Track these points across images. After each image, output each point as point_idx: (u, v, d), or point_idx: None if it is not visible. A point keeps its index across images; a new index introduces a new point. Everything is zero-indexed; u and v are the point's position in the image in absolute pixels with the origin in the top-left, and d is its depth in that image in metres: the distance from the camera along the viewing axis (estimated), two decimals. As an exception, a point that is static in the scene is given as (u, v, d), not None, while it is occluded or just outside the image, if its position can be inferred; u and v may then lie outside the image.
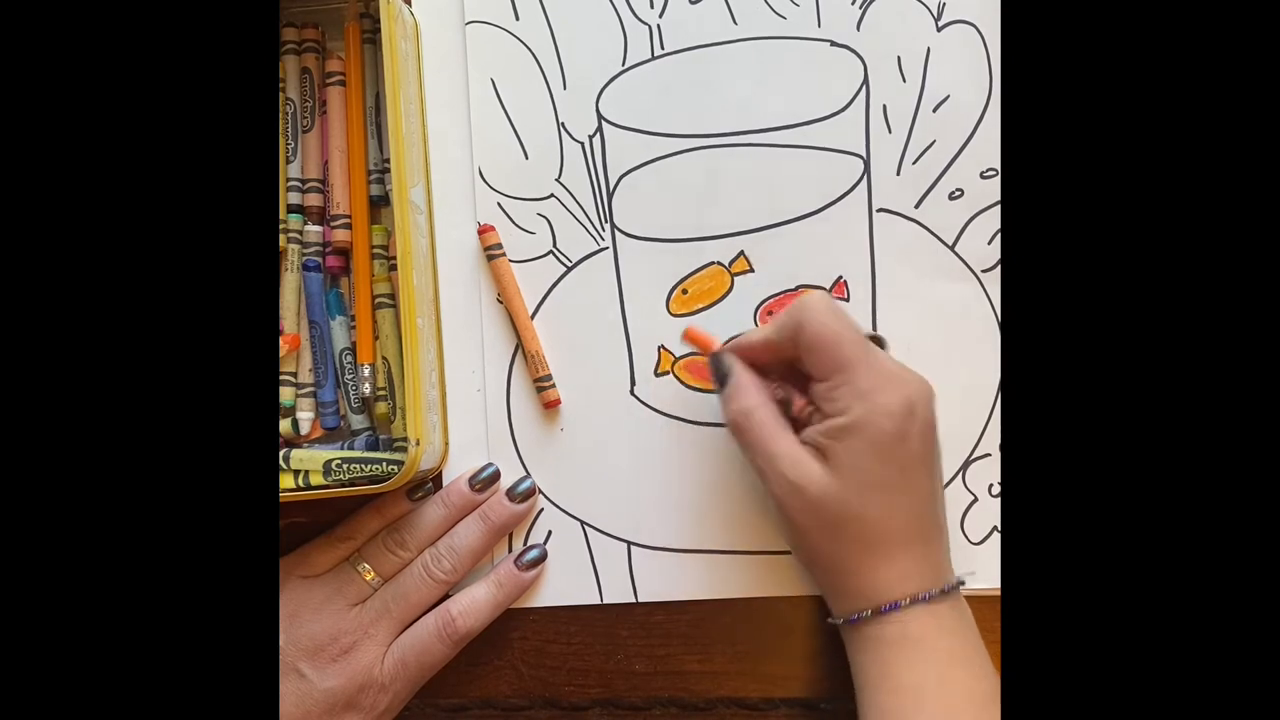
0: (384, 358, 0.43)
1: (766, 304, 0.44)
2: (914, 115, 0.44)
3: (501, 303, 0.45)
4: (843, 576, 0.37)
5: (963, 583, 0.38)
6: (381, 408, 0.43)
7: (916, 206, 0.44)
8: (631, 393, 0.44)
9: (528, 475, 0.44)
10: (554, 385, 0.44)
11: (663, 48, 0.45)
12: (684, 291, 0.44)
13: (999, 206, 0.44)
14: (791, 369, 0.39)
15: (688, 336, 0.43)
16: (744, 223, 0.44)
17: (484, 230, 0.44)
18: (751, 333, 0.40)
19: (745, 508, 0.44)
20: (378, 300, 0.43)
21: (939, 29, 0.44)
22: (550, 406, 0.44)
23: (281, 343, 0.43)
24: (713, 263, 0.44)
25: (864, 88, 0.44)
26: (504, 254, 0.44)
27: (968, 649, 0.37)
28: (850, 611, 0.37)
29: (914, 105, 0.44)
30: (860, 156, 0.44)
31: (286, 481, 0.41)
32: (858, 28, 0.44)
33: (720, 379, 0.40)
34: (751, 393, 0.39)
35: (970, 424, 0.44)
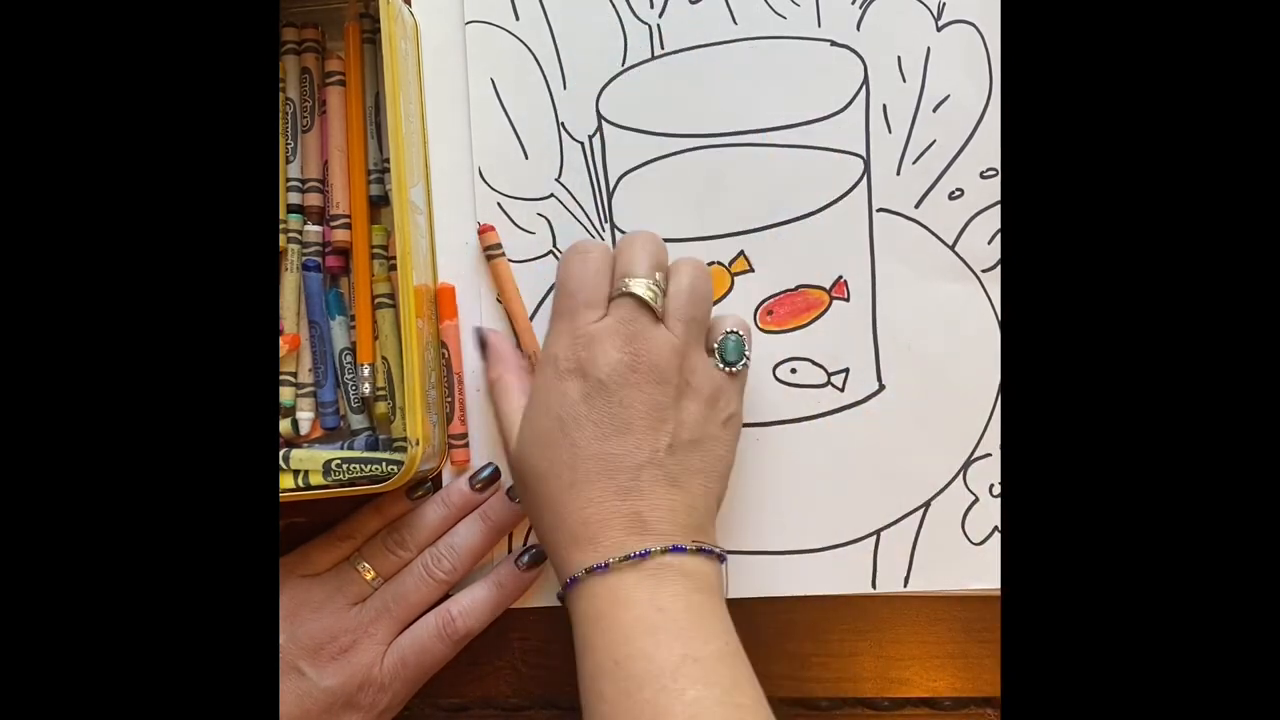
0: (384, 358, 0.43)
1: (766, 304, 0.44)
2: (914, 115, 0.44)
3: (501, 303, 0.45)
4: (545, 546, 0.37)
5: (678, 549, 0.35)
6: (381, 408, 0.43)
7: (916, 206, 0.44)
8: (631, 393, 0.44)
9: (527, 475, 0.44)
10: None
11: (663, 48, 0.45)
12: (684, 291, 0.44)
13: (999, 206, 0.44)
14: None
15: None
16: (744, 223, 0.44)
17: (484, 230, 0.44)
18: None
19: (745, 508, 0.44)
20: (377, 300, 0.43)
21: (939, 29, 0.44)
22: None
23: (281, 343, 0.43)
24: (713, 262, 0.44)
25: (864, 88, 0.44)
26: (504, 254, 0.44)
27: (665, 619, 0.33)
28: (579, 566, 0.35)
29: (914, 105, 0.44)
30: (860, 156, 0.44)
31: (286, 481, 0.41)
32: (858, 28, 0.44)
33: (480, 350, 0.43)
34: (497, 363, 0.42)
35: (971, 424, 0.44)
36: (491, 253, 0.44)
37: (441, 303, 0.44)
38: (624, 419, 0.36)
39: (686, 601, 0.34)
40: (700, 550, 0.35)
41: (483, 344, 0.43)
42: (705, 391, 0.38)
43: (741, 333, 0.39)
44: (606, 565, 0.34)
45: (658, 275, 0.38)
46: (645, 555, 0.34)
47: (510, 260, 0.45)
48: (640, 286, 0.37)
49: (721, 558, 0.36)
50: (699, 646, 0.33)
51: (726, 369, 0.39)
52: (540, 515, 0.37)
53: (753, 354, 0.41)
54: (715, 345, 0.39)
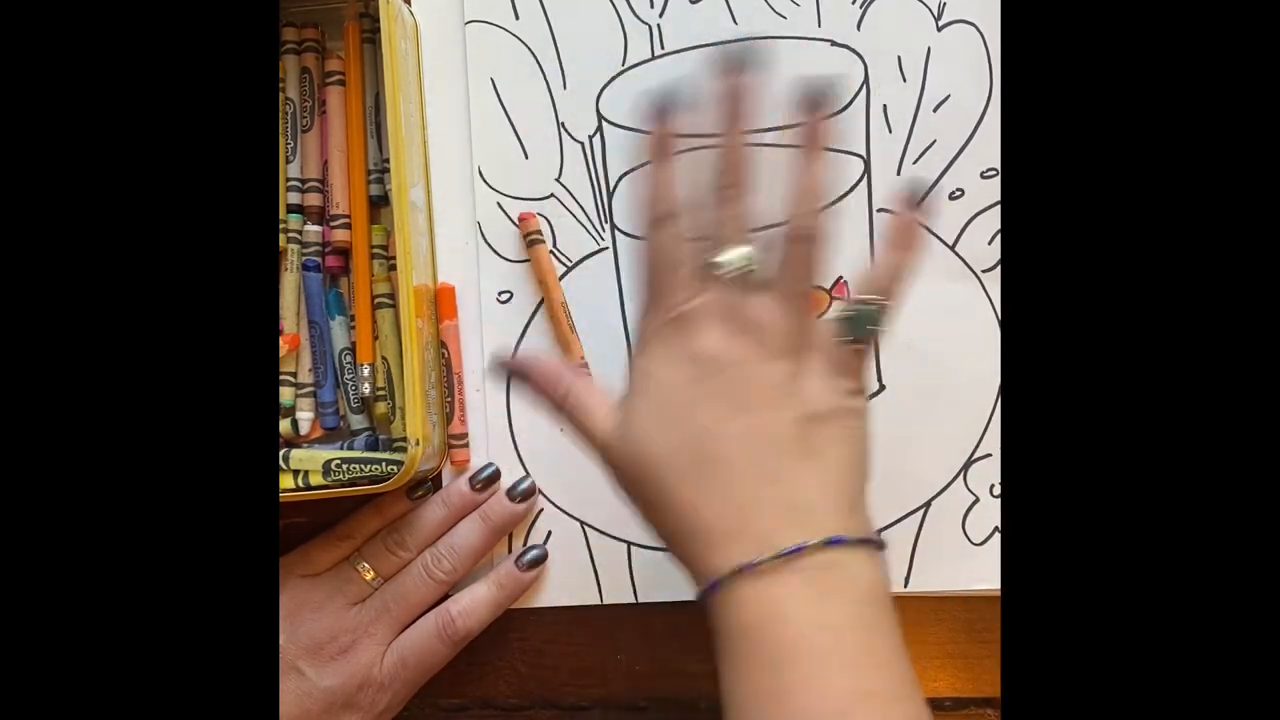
0: (384, 358, 0.43)
1: (766, 304, 0.44)
2: (914, 115, 0.44)
3: (544, 299, 0.44)
4: (673, 549, 0.32)
5: (838, 541, 0.29)
6: (381, 408, 0.43)
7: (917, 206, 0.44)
8: (631, 393, 0.44)
9: (528, 475, 0.44)
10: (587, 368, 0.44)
11: (663, 47, 0.45)
12: (684, 291, 0.44)
13: (999, 206, 0.44)
14: None
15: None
16: (744, 223, 0.44)
17: (524, 218, 0.44)
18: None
19: (745, 508, 0.44)
20: (377, 300, 0.43)
21: (939, 29, 0.44)
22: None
23: (281, 343, 0.43)
24: (713, 263, 0.44)
25: (864, 88, 0.44)
26: (544, 240, 0.44)
27: (834, 639, 0.28)
28: (716, 570, 0.30)
29: (914, 105, 0.44)
30: (860, 156, 0.44)
31: (286, 481, 0.41)
32: (858, 27, 0.44)
33: (522, 377, 0.37)
34: (560, 379, 0.35)
35: (970, 424, 0.44)
36: (534, 238, 0.44)
37: (441, 303, 0.44)
38: (744, 396, 0.31)
39: (856, 618, 0.29)
40: (862, 542, 0.30)
41: (520, 372, 0.37)
42: (827, 363, 0.32)
43: (874, 304, 0.33)
44: (756, 563, 0.28)
45: (749, 241, 0.33)
46: (800, 550, 0.29)
47: (509, 260, 0.45)
48: (736, 256, 0.32)
49: (882, 545, 0.31)
50: (873, 678, 0.28)
51: (852, 342, 0.33)
52: (662, 512, 0.31)
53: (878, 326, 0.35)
54: (841, 315, 0.33)
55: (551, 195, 0.45)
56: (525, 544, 0.44)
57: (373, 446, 0.43)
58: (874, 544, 0.30)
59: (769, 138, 0.44)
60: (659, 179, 0.35)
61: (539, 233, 0.44)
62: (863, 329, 0.33)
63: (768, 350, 0.32)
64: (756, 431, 0.31)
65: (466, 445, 0.44)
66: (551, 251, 0.45)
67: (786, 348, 0.32)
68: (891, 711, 0.28)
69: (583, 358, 0.44)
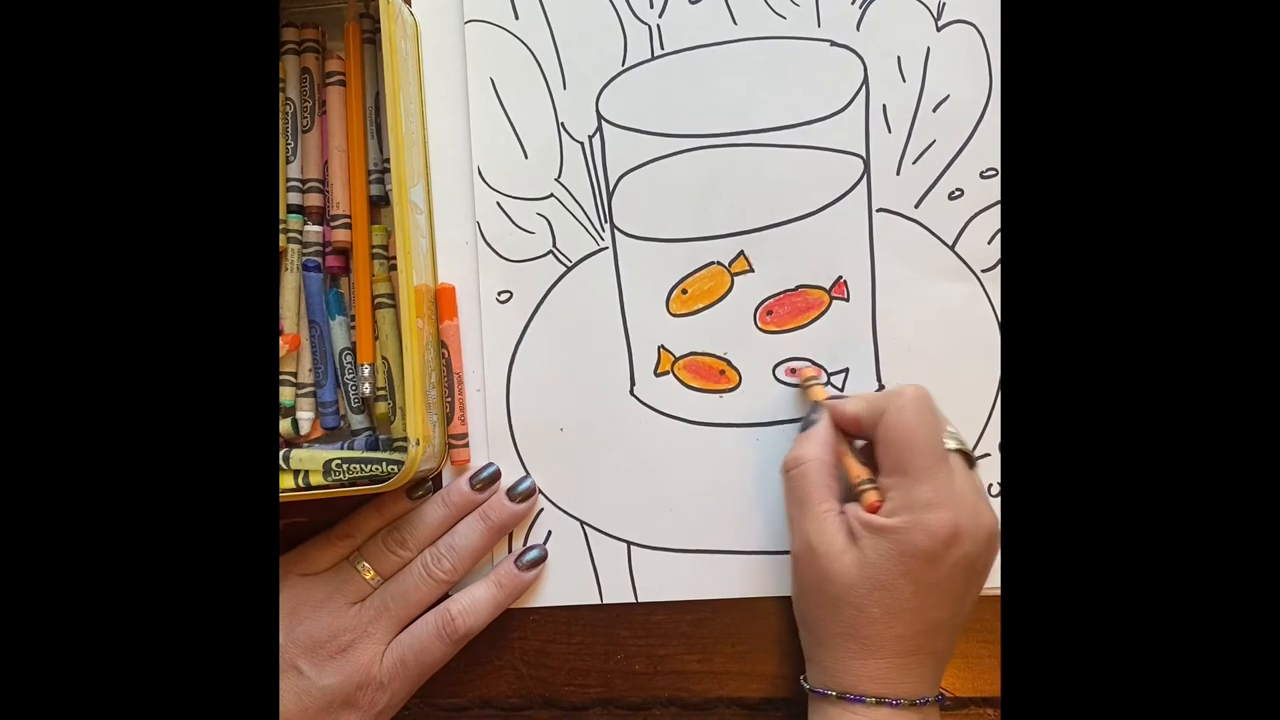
0: (384, 358, 0.43)
1: (766, 304, 0.44)
2: (914, 115, 0.44)
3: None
4: (822, 649, 0.38)
5: (943, 701, 0.38)
6: (381, 408, 0.43)
7: (916, 206, 0.44)
8: (631, 393, 0.44)
9: (528, 475, 0.44)
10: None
11: (663, 48, 0.45)
12: (684, 291, 0.44)
13: (999, 206, 0.44)
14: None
15: (800, 375, 0.43)
16: (744, 223, 0.44)
17: (805, 373, 0.44)
18: (849, 400, 0.40)
19: (745, 507, 0.44)
20: (378, 300, 0.43)
21: (939, 29, 0.44)
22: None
23: (281, 343, 0.43)
24: (713, 263, 0.44)
25: (864, 88, 0.44)
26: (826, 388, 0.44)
27: None
28: (820, 684, 0.38)
29: (914, 105, 0.44)
30: (860, 156, 0.44)
31: (286, 481, 0.41)
32: (858, 27, 0.44)
33: (806, 423, 0.41)
34: (816, 445, 0.39)
35: (970, 424, 0.44)
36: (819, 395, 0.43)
37: (441, 303, 0.44)
38: (969, 588, 0.37)
39: None
40: (938, 700, 0.38)
41: (809, 422, 0.41)
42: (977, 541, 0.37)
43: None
44: (897, 704, 0.36)
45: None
46: (924, 704, 0.37)
47: (510, 260, 0.45)
48: (956, 440, 0.39)
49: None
50: None
51: (973, 466, 0.39)
52: (832, 636, 0.37)
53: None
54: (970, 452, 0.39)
55: (551, 195, 0.45)
56: (525, 544, 0.44)
57: (373, 446, 0.43)
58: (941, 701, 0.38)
59: (769, 138, 0.44)
60: None
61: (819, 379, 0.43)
62: (805, 418, 0.41)
63: (995, 539, 0.37)
64: (953, 621, 0.37)
65: (466, 445, 0.44)
66: (551, 252, 0.45)
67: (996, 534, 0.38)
68: None
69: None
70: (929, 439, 0.37)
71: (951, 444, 0.38)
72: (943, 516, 0.35)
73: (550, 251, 0.45)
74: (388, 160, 0.42)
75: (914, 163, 0.44)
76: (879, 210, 0.44)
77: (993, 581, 0.43)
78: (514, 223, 0.45)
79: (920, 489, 0.36)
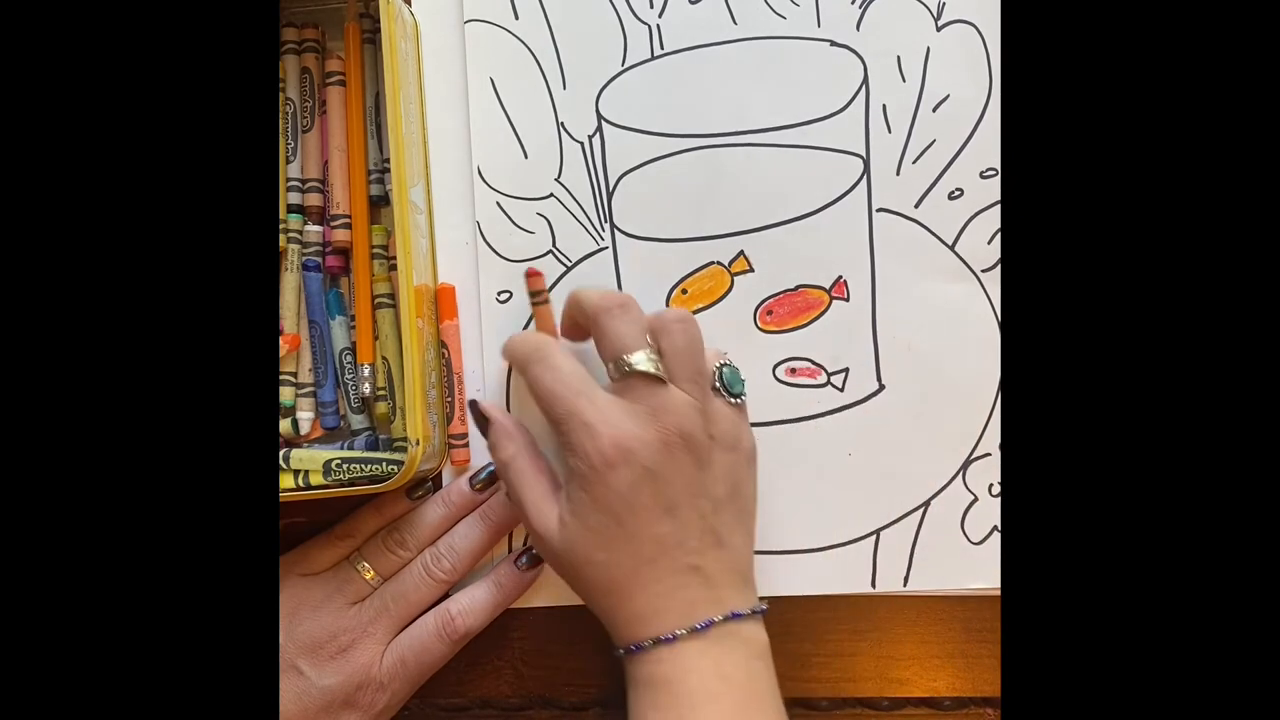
0: (384, 358, 0.43)
1: (766, 304, 0.44)
2: (914, 115, 0.44)
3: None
4: (600, 615, 0.38)
5: (737, 615, 0.36)
6: (381, 408, 0.43)
7: (916, 206, 0.44)
8: (631, 393, 0.44)
9: (527, 475, 0.44)
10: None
11: (662, 47, 0.45)
12: (684, 291, 0.44)
13: (999, 206, 0.44)
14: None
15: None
16: (744, 223, 0.44)
17: (532, 274, 0.42)
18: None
19: (745, 508, 0.44)
20: (378, 300, 0.43)
21: (939, 29, 0.44)
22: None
23: (281, 343, 0.43)
24: (712, 262, 0.44)
25: (864, 87, 0.44)
26: (549, 301, 0.42)
27: (727, 686, 0.35)
28: (616, 647, 0.37)
29: (914, 105, 0.44)
30: (860, 156, 0.44)
31: (286, 481, 0.41)
32: (857, 27, 0.44)
33: (481, 428, 0.41)
34: (508, 442, 0.39)
35: (970, 424, 0.44)
36: (537, 300, 0.42)
37: (441, 303, 0.44)
38: (671, 497, 0.36)
39: (746, 670, 0.36)
40: (754, 613, 0.37)
41: (483, 420, 0.40)
42: (729, 438, 0.38)
43: (729, 360, 0.40)
44: (674, 637, 0.35)
45: (648, 339, 0.38)
46: (709, 626, 0.36)
47: (510, 260, 0.45)
48: (641, 361, 0.37)
49: (765, 611, 0.38)
50: (754, 716, 0.36)
51: (736, 400, 0.39)
52: (598, 599, 0.37)
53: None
54: (716, 385, 0.39)
55: (551, 195, 0.45)
56: (525, 544, 0.44)
57: (373, 446, 0.43)
58: (761, 613, 0.38)
59: (769, 138, 0.44)
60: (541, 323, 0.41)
61: (543, 293, 0.42)
62: (737, 386, 0.39)
63: (687, 445, 0.36)
64: (681, 528, 0.36)
65: (466, 445, 0.44)
66: (551, 251, 0.45)
67: (696, 437, 0.37)
68: None
69: None
70: (566, 384, 0.37)
71: (632, 367, 0.37)
72: (600, 440, 0.36)
73: (550, 251, 0.45)
74: (388, 160, 0.42)
75: (914, 163, 0.44)
76: (879, 210, 0.44)
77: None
78: (514, 223, 0.45)
79: (575, 429, 0.36)
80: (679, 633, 0.35)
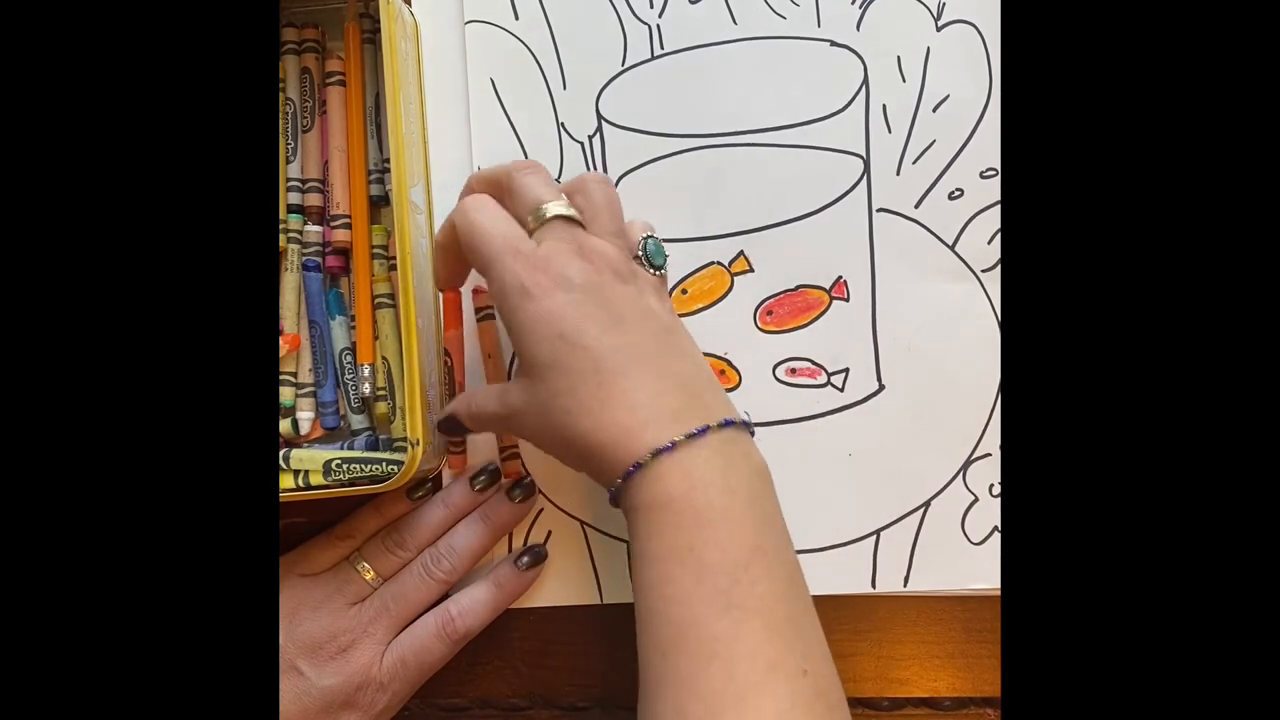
0: (384, 358, 0.43)
1: (766, 304, 0.44)
2: (914, 115, 0.44)
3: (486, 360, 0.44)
4: (584, 457, 0.35)
5: (729, 423, 0.34)
6: (381, 408, 0.43)
7: (916, 206, 0.44)
8: (631, 393, 0.44)
9: (527, 475, 0.44)
10: (518, 456, 0.44)
11: (662, 48, 0.45)
12: (684, 291, 0.44)
13: (999, 206, 0.44)
14: None
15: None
16: (744, 223, 0.44)
17: (478, 292, 0.44)
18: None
19: (745, 508, 0.44)
20: (378, 300, 0.43)
21: (939, 29, 0.44)
22: (508, 476, 0.44)
23: (281, 343, 0.43)
24: (712, 263, 0.44)
25: (864, 88, 0.44)
26: (494, 316, 0.44)
27: (735, 501, 0.33)
28: (610, 491, 0.34)
29: (914, 105, 0.44)
30: (860, 156, 0.44)
31: (286, 481, 0.41)
32: (857, 28, 0.44)
33: (452, 429, 0.40)
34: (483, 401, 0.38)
35: (970, 424, 0.44)
36: (483, 315, 0.44)
37: (447, 313, 0.44)
38: (616, 312, 0.34)
39: (749, 485, 0.33)
40: (745, 425, 0.35)
41: (454, 424, 0.39)
42: (655, 290, 0.37)
43: (655, 234, 0.38)
44: (674, 444, 0.32)
45: (563, 196, 0.37)
46: (705, 431, 0.33)
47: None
48: (561, 208, 0.35)
49: (753, 429, 0.36)
50: (766, 536, 0.33)
51: (656, 273, 0.37)
52: (573, 429, 0.34)
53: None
54: (638, 254, 0.37)
55: (551, 195, 0.45)
56: (525, 544, 0.44)
57: (373, 446, 0.43)
58: (750, 426, 0.35)
59: (769, 138, 0.44)
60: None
61: (489, 309, 0.44)
62: (658, 259, 0.38)
63: (619, 277, 0.35)
64: (635, 342, 0.34)
65: (464, 451, 0.44)
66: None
67: (625, 273, 0.35)
68: (780, 563, 0.33)
69: (515, 444, 0.44)
70: (479, 231, 0.35)
71: (551, 213, 0.36)
72: (522, 273, 0.34)
73: (550, 251, 0.45)
74: (388, 160, 0.42)
75: (914, 163, 0.44)
76: (879, 210, 0.44)
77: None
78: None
79: (497, 267, 0.35)
80: (676, 439, 0.32)
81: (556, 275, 0.34)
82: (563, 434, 0.34)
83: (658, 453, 0.32)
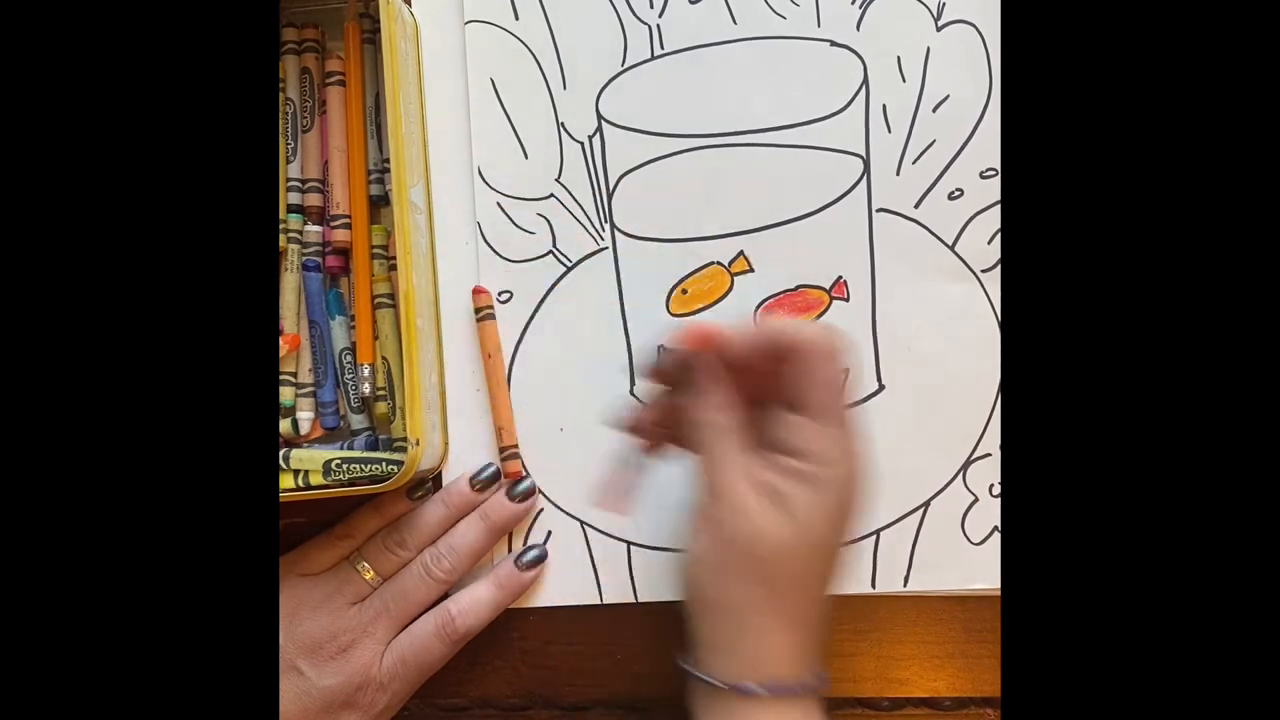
0: (384, 358, 0.43)
1: (766, 304, 0.44)
2: (914, 115, 0.44)
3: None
4: (742, 633, 0.34)
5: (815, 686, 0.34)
6: (381, 408, 0.43)
7: (916, 206, 0.44)
8: (631, 393, 0.44)
9: (527, 475, 0.44)
10: (518, 456, 0.44)
11: (662, 48, 0.45)
12: (684, 291, 0.44)
13: (999, 206, 0.44)
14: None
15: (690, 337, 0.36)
16: (744, 223, 0.44)
17: (478, 291, 0.44)
18: (735, 335, 0.35)
19: (745, 508, 0.44)
20: (377, 300, 0.43)
21: (939, 29, 0.44)
22: (508, 476, 0.44)
23: (281, 343, 0.43)
24: (712, 263, 0.44)
25: (864, 88, 0.44)
26: (494, 316, 0.44)
27: None
28: (736, 676, 0.33)
29: (914, 105, 0.44)
30: (860, 156, 0.44)
31: (286, 481, 0.41)
32: (857, 28, 0.44)
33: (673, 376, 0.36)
34: (726, 406, 0.34)
35: (970, 424, 0.44)
36: (483, 315, 0.44)
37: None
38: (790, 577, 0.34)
39: None
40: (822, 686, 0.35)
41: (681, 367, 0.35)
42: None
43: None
44: (757, 692, 0.33)
45: None
46: (795, 690, 0.33)
47: (510, 260, 0.45)
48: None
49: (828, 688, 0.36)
50: None
51: None
52: (716, 635, 0.34)
53: None
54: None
55: (551, 195, 0.45)
56: (525, 544, 0.44)
57: (373, 446, 0.43)
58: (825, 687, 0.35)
59: (769, 138, 0.44)
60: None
61: (490, 308, 0.44)
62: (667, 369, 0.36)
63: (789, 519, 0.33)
64: (793, 604, 0.33)
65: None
66: (551, 252, 0.45)
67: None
68: None
69: (514, 444, 0.44)
70: (840, 380, 0.33)
71: None
72: (860, 465, 0.33)
73: (550, 251, 0.45)
74: (388, 160, 0.42)
75: (914, 163, 0.44)
76: (879, 210, 0.44)
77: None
78: (514, 223, 0.45)
79: (851, 436, 0.33)
80: (808, 682, 0.33)
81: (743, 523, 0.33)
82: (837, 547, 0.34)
83: (740, 689, 0.33)
